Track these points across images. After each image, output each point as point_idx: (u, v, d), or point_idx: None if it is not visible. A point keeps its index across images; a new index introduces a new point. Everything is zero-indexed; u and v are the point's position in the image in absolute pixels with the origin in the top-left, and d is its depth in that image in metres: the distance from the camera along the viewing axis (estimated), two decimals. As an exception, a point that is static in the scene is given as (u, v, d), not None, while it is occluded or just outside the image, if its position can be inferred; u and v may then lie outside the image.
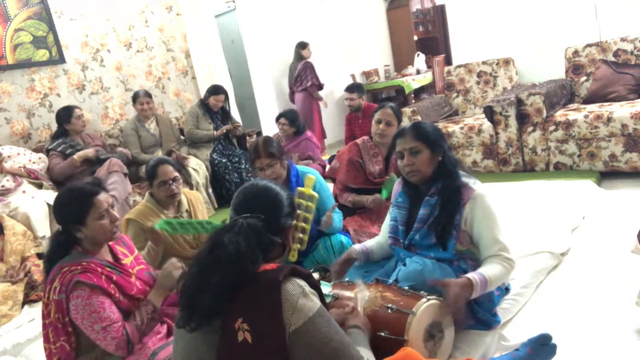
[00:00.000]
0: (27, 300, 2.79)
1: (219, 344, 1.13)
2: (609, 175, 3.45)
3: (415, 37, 7.91)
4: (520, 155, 3.80)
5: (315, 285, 1.21)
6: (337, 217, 2.41)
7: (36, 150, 3.89)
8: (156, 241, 2.15)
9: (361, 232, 2.64)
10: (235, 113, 5.35)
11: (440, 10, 8.28)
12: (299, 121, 4.68)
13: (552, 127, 3.59)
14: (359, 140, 2.95)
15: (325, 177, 3.28)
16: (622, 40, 3.85)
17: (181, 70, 5.28)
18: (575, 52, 4.06)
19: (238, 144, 4.82)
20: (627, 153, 3.34)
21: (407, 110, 4.28)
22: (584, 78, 4.03)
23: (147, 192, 2.46)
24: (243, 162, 4.50)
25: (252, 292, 1.14)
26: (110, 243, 1.76)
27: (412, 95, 6.80)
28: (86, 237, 1.63)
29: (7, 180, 3.41)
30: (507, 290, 1.98)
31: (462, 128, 4.01)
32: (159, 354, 1.61)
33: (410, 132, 1.85)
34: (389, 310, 1.55)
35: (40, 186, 3.55)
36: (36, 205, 3.26)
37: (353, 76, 6.86)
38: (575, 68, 4.07)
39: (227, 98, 4.71)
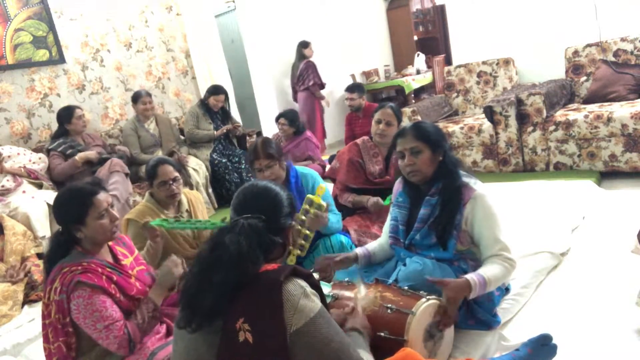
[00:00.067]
0: (27, 300, 2.78)
1: (220, 344, 1.13)
2: (609, 175, 3.45)
3: (415, 37, 7.91)
4: (520, 155, 3.80)
5: (316, 286, 1.21)
6: (335, 218, 2.40)
7: (36, 150, 3.89)
8: (154, 238, 2.15)
9: (361, 232, 2.64)
10: (235, 113, 5.35)
11: (440, 10, 8.28)
12: (298, 121, 4.68)
13: (552, 127, 3.59)
14: (359, 140, 2.95)
15: (325, 177, 3.29)
16: (622, 40, 3.85)
17: (181, 70, 5.28)
18: (575, 52, 4.06)
19: (238, 144, 4.82)
20: (627, 153, 3.34)
21: (407, 110, 4.28)
22: (584, 78, 4.03)
23: (147, 192, 2.46)
24: (243, 162, 4.50)
25: (253, 293, 1.14)
26: (110, 243, 1.76)
27: (412, 95, 6.80)
28: (86, 237, 1.63)
29: (7, 180, 3.41)
30: (507, 290, 1.98)
31: (462, 128, 4.01)
32: (158, 354, 1.61)
33: (411, 132, 1.85)
34: (389, 310, 1.55)
35: (40, 186, 3.55)
36: (36, 205, 3.26)
37: (353, 76, 6.86)
38: (575, 68, 4.07)
39: (227, 98, 4.71)
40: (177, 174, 2.38)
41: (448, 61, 6.41)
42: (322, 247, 2.42)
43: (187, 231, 2.37)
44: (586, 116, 3.43)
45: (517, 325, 1.84)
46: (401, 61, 7.81)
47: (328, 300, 1.65)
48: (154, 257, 2.18)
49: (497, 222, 1.77)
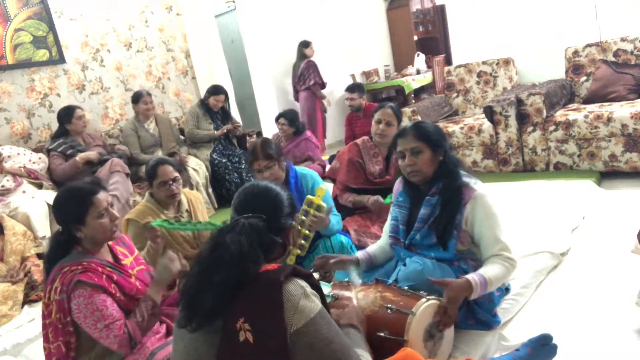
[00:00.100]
0: (27, 300, 2.78)
1: (220, 344, 1.13)
2: (609, 175, 3.45)
3: (415, 37, 7.91)
4: (520, 155, 3.80)
5: (317, 286, 1.21)
6: (335, 220, 2.40)
7: (36, 150, 3.89)
8: (154, 238, 2.15)
9: (361, 232, 2.64)
10: (235, 113, 5.35)
11: (440, 10, 8.28)
12: (298, 121, 4.69)
13: (552, 127, 3.59)
14: (359, 141, 2.95)
15: (325, 178, 3.29)
16: (622, 40, 3.85)
17: (181, 70, 5.28)
18: (575, 52, 4.06)
19: (238, 144, 4.82)
20: (627, 153, 3.34)
21: (407, 110, 4.28)
22: (584, 78, 4.03)
23: (147, 192, 2.46)
24: (243, 162, 4.50)
25: (253, 292, 1.14)
26: (110, 243, 1.76)
27: (412, 95, 6.80)
28: (86, 236, 1.63)
29: (7, 180, 3.41)
30: (507, 290, 1.98)
31: (462, 128, 4.01)
32: (158, 354, 1.61)
33: (412, 132, 1.85)
34: (389, 311, 1.55)
35: (40, 186, 3.55)
36: (36, 205, 3.26)
37: (353, 76, 6.86)
38: (575, 68, 4.07)
39: (227, 98, 4.70)
40: (177, 174, 2.38)
41: (448, 61, 6.41)
42: (322, 247, 2.42)
43: (187, 232, 2.37)
44: (586, 116, 3.43)
45: (517, 325, 1.84)
46: (401, 61, 7.81)
47: (328, 300, 1.65)
48: (155, 257, 2.17)
49: (497, 222, 1.77)
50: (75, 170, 3.66)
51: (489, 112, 3.80)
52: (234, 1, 6.08)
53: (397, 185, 2.03)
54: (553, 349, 1.56)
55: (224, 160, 4.46)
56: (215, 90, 4.60)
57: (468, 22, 4.89)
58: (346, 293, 1.69)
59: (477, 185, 1.81)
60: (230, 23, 6.61)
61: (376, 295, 1.63)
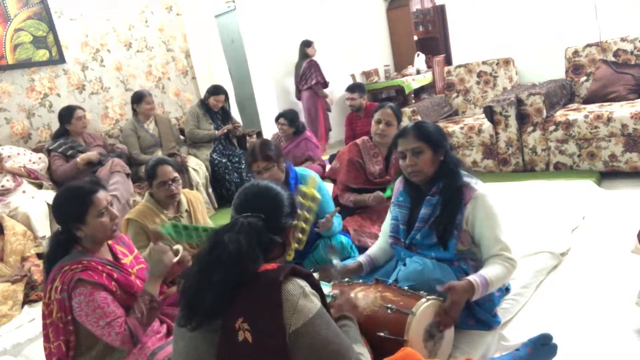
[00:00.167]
0: (27, 300, 2.78)
1: (219, 343, 1.13)
2: (609, 175, 3.45)
3: (415, 37, 7.91)
4: (520, 155, 3.80)
5: (316, 286, 1.21)
6: (337, 221, 2.40)
7: (36, 150, 3.89)
8: (157, 242, 2.15)
9: (361, 232, 2.64)
10: (235, 113, 5.35)
11: (440, 10, 8.28)
12: (298, 121, 4.68)
13: (552, 127, 3.59)
14: (358, 141, 2.95)
15: (324, 178, 3.29)
16: (622, 40, 3.85)
17: (181, 70, 5.28)
18: (575, 52, 4.06)
19: (238, 144, 4.82)
20: (627, 153, 3.34)
21: (407, 110, 4.28)
22: (584, 78, 4.03)
23: (146, 192, 2.46)
24: (243, 162, 4.50)
25: (252, 292, 1.14)
26: (110, 242, 1.76)
27: (412, 95, 6.80)
28: (86, 235, 1.63)
29: (7, 180, 3.41)
30: (507, 290, 1.98)
31: (462, 128, 4.01)
32: (158, 354, 1.61)
33: (413, 132, 1.85)
34: (389, 311, 1.55)
35: (40, 186, 3.55)
36: (36, 205, 3.26)
37: (353, 76, 6.86)
38: (575, 68, 4.07)
39: (227, 98, 4.70)
40: (176, 174, 2.38)
41: (448, 61, 6.41)
42: (322, 247, 2.42)
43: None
44: (586, 116, 3.43)
45: (517, 325, 1.84)
46: (401, 61, 7.81)
47: (328, 300, 1.65)
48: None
49: (497, 222, 1.77)
50: (76, 171, 3.65)
51: (489, 112, 3.80)
52: (234, 1, 6.08)
53: (398, 185, 2.03)
54: (553, 349, 1.56)
55: (224, 160, 4.46)
56: (215, 90, 4.60)
57: (468, 22, 4.89)
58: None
59: (477, 185, 1.81)
60: (230, 23, 6.61)
61: (376, 295, 1.63)
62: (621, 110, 3.33)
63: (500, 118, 3.79)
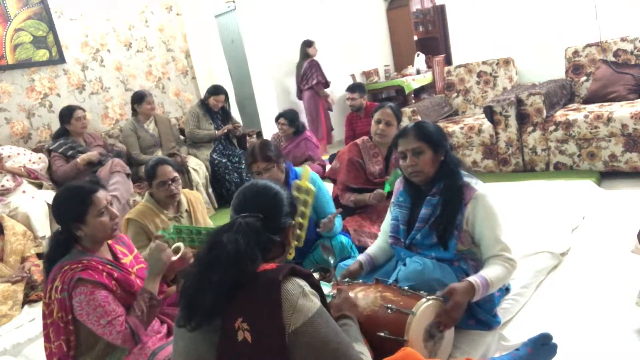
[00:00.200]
0: (27, 300, 2.78)
1: (219, 343, 1.13)
2: (609, 175, 3.45)
3: (415, 37, 7.91)
4: (520, 155, 3.80)
5: (316, 285, 1.21)
6: (337, 222, 2.40)
7: (36, 150, 3.89)
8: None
9: (361, 232, 2.64)
10: (235, 113, 5.35)
11: (440, 10, 8.28)
12: (298, 121, 4.68)
13: (552, 127, 3.59)
14: (358, 141, 2.95)
15: (325, 178, 3.29)
16: (622, 40, 3.85)
17: (181, 70, 5.28)
18: (575, 52, 4.06)
19: (238, 144, 4.82)
20: (627, 153, 3.34)
21: (407, 110, 4.28)
22: (584, 78, 4.03)
23: (146, 192, 2.46)
24: (243, 162, 4.50)
25: (252, 292, 1.14)
26: (109, 242, 1.76)
27: (412, 95, 6.80)
28: (86, 235, 1.63)
29: (7, 180, 3.41)
30: (507, 290, 1.98)
31: (462, 128, 4.01)
32: (159, 354, 1.61)
33: (413, 132, 1.85)
34: (389, 311, 1.55)
35: (40, 186, 3.55)
36: (36, 205, 3.26)
37: (353, 76, 6.86)
38: (575, 68, 4.07)
39: (227, 98, 4.70)
40: (176, 174, 2.38)
41: (448, 61, 6.40)
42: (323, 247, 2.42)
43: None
44: (586, 116, 3.43)
45: (517, 325, 1.84)
46: (401, 61, 7.81)
47: (328, 300, 1.65)
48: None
49: (498, 222, 1.77)
50: (77, 172, 3.65)
51: (489, 112, 3.80)
52: (234, 1, 6.08)
53: (398, 185, 2.03)
54: (553, 349, 1.56)
55: (224, 160, 4.46)
56: (215, 90, 4.60)
57: (468, 22, 4.89)
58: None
59: (478, 185, 1.81)
60: (230, 23, 6.62)
61: (376, 295, 1.62)
62: (621, 110, 3.33)
63: (500, 118, 3.79)
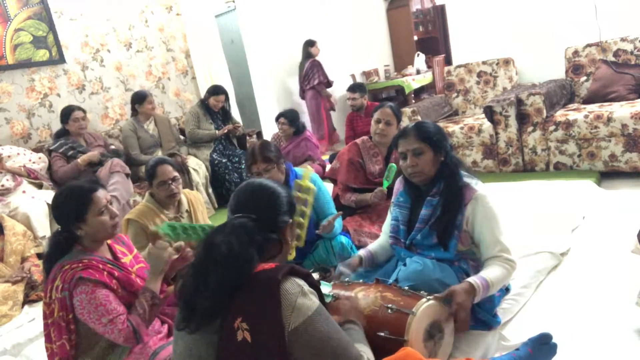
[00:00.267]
0: (27, 300, 2.78)
1: (219, 343, 1.13)
2: (609, 175, 3.45)
3: (415, 37, 7.91)
4: (520, 155, 3.80)
5: (314, 285, 1.21)
6: (336, 223, 2.40)
7: (36, 150, 3.89)
8: (156, 243, 2.15)
9: (361, 232, 2.64)
10: (235, 113, 5.35)
11: (440, 10, 8.29)
12: (298, 121, 4.68)
13: (552, 127, 3.59)
14: (358, 140, 2.95)
15: (324, 178, 3.29)
16: (622, 40, 3.85)
17: (181, 70, 5.28)
18: (575, 52, 4.06)
19: (238, 144, 4.82)
20: (627, 153, 3.34)
21: (407, 110, 4.28)
22: (584, 78, 4.03)
23: (147, 192, 2.46)
24: (243, 162, 4.50)
25: (251, 292, 1.14)
26: (109, 242, 1.77)
27: (412, 95, 6.80)
28: (87, 234, 1.64)
29: (7, 180, 3.41)
30: (507, 290, 1.98)
31: (462, 128, 4.01)
32: (160, 354, 1.61)
33: (414, 132, 1.85)
34: (389, 311, 1.55)
35: (40, 186, 3.55)
36: (36, 205, 3.26)
37: (353, 76, 6.86)
38: (575, 68, 4.07)
39: (227, 98, 4.70)
40: (176, 174, 2.38)
41: (448, 61, 6.40)
42: (322, 247, 2.42)
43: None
44: (586, 116, 3.43)
45: (517, 325, 1.84)
46: (401, 61, 7.81)
47: (328, 300, 1.65)
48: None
49: (497, 223, 1.77)
50: (77, 172, 3.65)
51: (489, 112, 3.80)
52: (234, 1, 6.08)
53: (398, 185, 2.03)
54: (553, 348, 1.56)
55: (224, 160, 4.46)
56: (216, 90, 4.60)
57: (468, 22, 4.88)
58: (346, 293, 1.69)
59: (477, 185, 1.81)
60: (230, 23, 6.61)
61: (376, 295, 1.63)
62: (621, 110, 3.33)
63: (500, 118, 3.79)
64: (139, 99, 4.29)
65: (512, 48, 4.50)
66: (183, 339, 1.20)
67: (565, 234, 2.49)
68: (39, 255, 3.01)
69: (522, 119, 3.71)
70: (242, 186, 1.35)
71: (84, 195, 1.63)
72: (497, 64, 4.47)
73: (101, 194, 1.66)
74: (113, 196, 3.33)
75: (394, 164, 1.94)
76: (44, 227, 3.21)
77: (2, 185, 3.37)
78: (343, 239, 2.45)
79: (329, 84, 6.00)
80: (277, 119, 4.72)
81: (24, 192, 3.41)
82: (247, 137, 4.90)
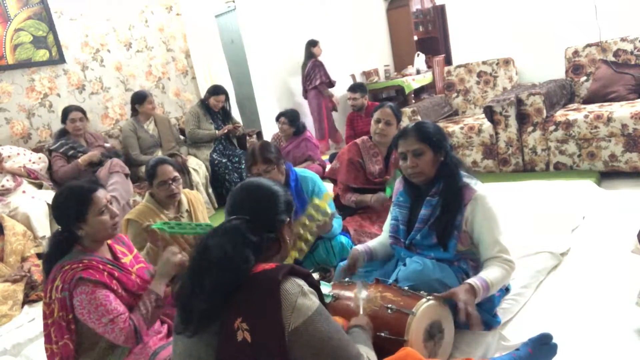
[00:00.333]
0: (27, 300, 2.78)
1: (219, 343, 1.13)
2: (609, 175, 3.45)
3: (415, 37, 7.91)
4: (520, 155, 3.80)
5: (314, 285, 1.22)
6: (337, 223, 2.40)
7: (36, 150, 3.89)
8: (154, 241, 2.15)
9: (361, 232, 2.64)
10: (235, 113, 5.35)
11: (440, 10, 8.28)
12: (299, 122, 4.68)
13: (552, 127, 3.59)
14: (358, 140, 2.95)
15: (324, 178, 3.29)
16: (622, 40, 3.85)
17: (181, 70, 5.28)
18: (575, 52, 4.06)
19: (238, 144, 4.82)
20: (627, 153, 3.34)
21: (407, 110, 4.28)
22: (584, 78, 4.03)
23: (147, 192, 2.46)
24: (243, 162, 4.50)
25: (251, 292, 1.14)
26: (109, 242, 1.77)
27: (412, 95, 6.80)
28: (87, 234, 1.64)
29: (7, 180, 3.41)
30: (507, 290, 1.98)
31: (462, 128, 4.01)
32: (160, 354, 1.61)
33: (414, 133, 1.85)
34: (389, 311, 1.55)
35: (40, 186, 3.55)
36: (36, 205, 3.26)
37: (353, 76, 6.86)
38: (575, 68, 4.07)
39: (227, 98, 4.70)
40: (176, 174, 2.38)
41: (448, 61, 6.40)
42: (322, 248, 2.42)
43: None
44: (586, 116, 3.43)
45: (517, 325, 1.84)
46: (401, 61, 7.81)
47: (328, 300, 1.65)
48: (154, 259, 2.17)
49: (497, 223, 1.77)
50: (78, 172, 3.65)
51: (489, 112, 3.80)
52: (234, 1, 6.08)
53: (398, 185, 2.03)
54: (553, 349, 1.56)
55: (224, 160, 4.46)
56: (216, 90, 4.59)
57: (468, 22, 4.88)
58: (346, 293, 1.69)
59: (477, 186, 1.81)
60: (230, 23, 6.61)
61: (376, 295, 1.63)
62: (621, 110, 3.33)
63: (500, 118, 3.79)
64: (139, 99, 4.29)
65: (512, 48, 4.50)
66: (182, 340, 1.20)
67: (565, 234, 2.49)
68: (39, 255, 3.01)
69: (522, 119, 3.71)
70: (238, 186, 1.36)
71: (84, 195, 1.63)
72: (497, 64, 4.47)
73: (101, 193, 1.66)
74: (112, 196, 3.33)
75: (399, 171, 1.95)
76: (44, 227, 3.21)
77: (2, 186, 3.37)
78: (343, 239, 2.45)
79: (331, 84, 6.00)
80: (277, 119, 4.72)
81: (24, 192, 3.41)
82: (247, 137, 4.89)
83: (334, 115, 6.28)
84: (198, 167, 4.28)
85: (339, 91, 6.36)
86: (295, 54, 6.09)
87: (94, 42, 4.56)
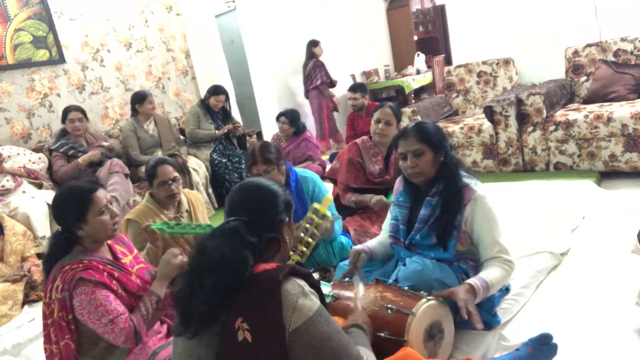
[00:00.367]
0: (27, 300, 2.78)
1: (219, 343, 1.13)
2: (609, 175, 3.45)
3: (415, 37, 7.91)
4: (520, 155, 3.80)
5: (315, 285, 1.22)
6: (337, 225, 2.39)
7: (36, 150, 3.89)
8: (154, 241, 2.15)
9: (361, 232, 2.64)
10: (235, 113, 5.35)
11: (440, 10, 8.28)
12: (299, 122, 4.69)
13: (552, 127, 3.59)
14: (358, 140, 2.95)
15: (324, 178, 3.29)
16: (622, 40, 3.85)
17: (181, 70, 5.28)
18: (575, 52, 4.06)
19: (238, 144, 4.82)
20: (627, 153, 3.34)
21: (407, 110, 4.28)
22: (584, 78, 4.03)
23: (147, 193, 2.46)
24: (243, 162, 4.49)
25: (251, 292, 1.14)
26: (109, 242, 1.77)
27: (412, 95, 6.80)
28: (87, 234, 1.64)
29: (7, 180, 3.41)
30: (507, 290, 1.98)
31: (462, 128, 4.01)
32: (160, 354, 1.61)
33: (413, 133, 1.85)
34: (389, 311, 1.55)
35: (40, 186, 3.55)
36: (36, 205, 3.26)
37: (353, 76, 6.86)
38: (575, 68, 4.07)
39: (227, 98, 4.70)
40: (176, 174, 2.38)
41: (448, 61, 6.40)
42: (322, 248, 2.42)
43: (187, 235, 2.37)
44: (586, 116, 3.43)
45: (517, 325, 1.84)
46: (401, 61, 7.81)
47: (328, 300, 1.65)
48: (154, 259, 2.18)
49: (496, 223, 1.77)
50: (78, 172, 3.65)
51: (489, 112, 3.80)
52: (234, 1, 6.08)
53: (397, 185, 2.03)
54: (553, 349, 1.56)
55: (224, 160, 4.46)
56: (216, 90, 4.59)
57: (468, 22, 4.89)
58: (346, 293, 1.69)
59: (477, 186, 1.81)
60: (230, 23, 6.61)
61: (376, 295, 1.63)
62: (621, 110, 3.33)
63: (500, 118, 3.79)
64: (140, 99, 4.28)
65: (512, 48, 4.50)
66: (182, 340, 1.20)
67: (565, 234, 2.49)
68: (39, 255, 3.01)
69: (522, 119, 3.71)
70: (237, 187, 1.35)
71: (84, 195, 1.63)
72: (497, 64, 4.47)
73: (101, 193, 1.66)
74: (112, 196, 3.33)
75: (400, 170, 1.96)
76: (44, 227, 3.21)
77: (2, 186, 3.37)
78: (343, 239, 2.45)
79: (331, 84, 6.00)
80: (277, 119, 4.72)
81: (24, 192, 3.41)
82: (247, 137, 4.89)
83: (334, 115, 6.28)
84: (198, 167, 4.28)
85: (339, 91, 6.36)
86: (295, 54, 6.09)
87: (94, 42, 4.56)
